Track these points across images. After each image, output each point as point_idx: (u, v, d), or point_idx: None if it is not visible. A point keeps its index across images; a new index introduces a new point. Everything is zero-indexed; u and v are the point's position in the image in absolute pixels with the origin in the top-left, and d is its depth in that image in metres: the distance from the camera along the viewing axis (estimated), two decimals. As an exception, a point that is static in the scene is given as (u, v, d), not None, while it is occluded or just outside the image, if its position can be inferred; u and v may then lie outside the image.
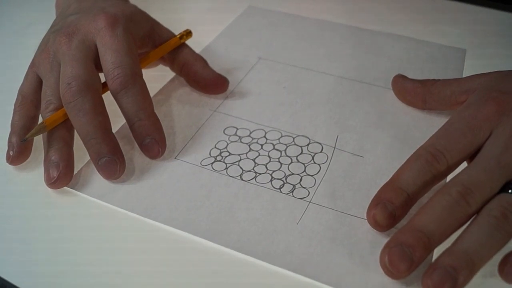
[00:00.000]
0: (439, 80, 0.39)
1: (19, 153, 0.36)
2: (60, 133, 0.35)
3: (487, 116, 0.31)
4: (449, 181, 0.29)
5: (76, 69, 0.35)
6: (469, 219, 0.29)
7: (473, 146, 0.31)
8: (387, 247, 0.28)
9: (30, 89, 0.37)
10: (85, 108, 0.34)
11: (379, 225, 0.30)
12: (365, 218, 0.32)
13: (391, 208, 0.30)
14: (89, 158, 0.35)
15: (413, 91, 0.40)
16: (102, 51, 0.36)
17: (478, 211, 0.29)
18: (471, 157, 0.31)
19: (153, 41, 0.41)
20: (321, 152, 0.37)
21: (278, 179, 0.35)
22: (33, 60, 0.38)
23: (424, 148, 0.31)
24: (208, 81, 0.42)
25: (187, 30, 0.43)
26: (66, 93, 0.34)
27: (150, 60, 0.41)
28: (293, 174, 0.35)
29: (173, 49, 0.42)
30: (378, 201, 0.30)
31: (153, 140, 0.36)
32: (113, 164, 0.34)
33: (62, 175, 0.34)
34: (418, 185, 0.30)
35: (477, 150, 0.31)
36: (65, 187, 0.34)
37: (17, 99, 0.37)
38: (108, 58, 0.36)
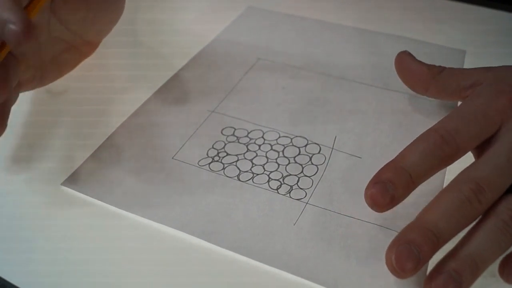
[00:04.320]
0: (445, 68, 0.37)
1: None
2: None
3: (499, 108, 0.30)
4: (459, 176, 0.28)
5: None
6: (477, 217, 0.28)
7: (483, 134, 0.30)
8: (394, 245, 0.27)
9: None
10: None
11: (376, 205, 0.28)
12: (362, 219, 0.32)
13: (390, 188, 0.28)
14: (85, 158, 0.36)
15: (417, 75, 0.37)
16: None
17: (485, 210, 0.28)
18: (476, 148, 0.30)
19: None
20: (319, 153, 0.37)
21: (275, 180, 0.35)
22: None
23: (435, 130, 0.29)
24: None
25: None
26: None
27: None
28: (290, 175, 0.35)
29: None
30: (377, 180, 0.28)
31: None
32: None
33: None
34: (422, 168, 0.28)
35: (486, 142, 0.30)
36: (62, 187, 0.34)
37: None
38: None
